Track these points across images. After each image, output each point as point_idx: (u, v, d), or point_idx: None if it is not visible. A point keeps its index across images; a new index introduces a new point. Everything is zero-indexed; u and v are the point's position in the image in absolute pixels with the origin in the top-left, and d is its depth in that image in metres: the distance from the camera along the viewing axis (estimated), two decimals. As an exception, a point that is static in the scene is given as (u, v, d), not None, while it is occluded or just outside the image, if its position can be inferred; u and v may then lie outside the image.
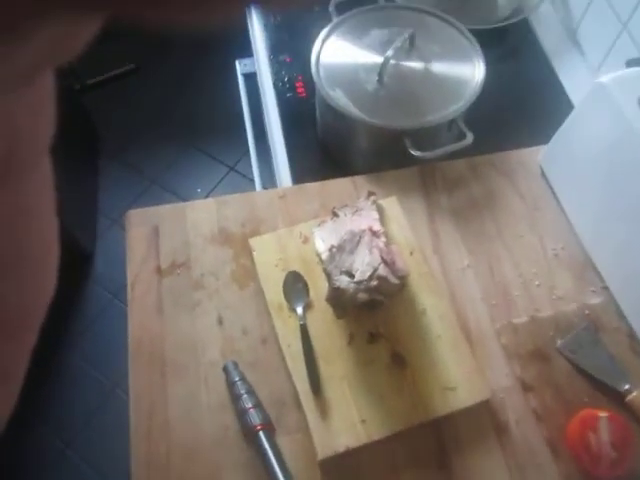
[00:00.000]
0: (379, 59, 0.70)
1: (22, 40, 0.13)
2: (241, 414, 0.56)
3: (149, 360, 0.60)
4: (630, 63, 0.69)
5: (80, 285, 1.49)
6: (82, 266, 1.51)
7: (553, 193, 0.72)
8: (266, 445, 0.54)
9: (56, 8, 0.11)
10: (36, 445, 1.29)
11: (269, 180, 0.95)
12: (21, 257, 0.20)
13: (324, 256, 0.60)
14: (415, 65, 0.73)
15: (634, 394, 0.58)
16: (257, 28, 0.93)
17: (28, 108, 0.17)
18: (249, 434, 0.55)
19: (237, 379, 0.58)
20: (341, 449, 0.54)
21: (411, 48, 0.73)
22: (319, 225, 0.65)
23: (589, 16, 0.88)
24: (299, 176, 0.77)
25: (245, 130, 1.03)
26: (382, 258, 0.56)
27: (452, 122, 0.69)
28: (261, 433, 0.55)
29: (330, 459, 0.54)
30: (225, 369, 0.59)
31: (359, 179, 0.73)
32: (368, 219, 0.63)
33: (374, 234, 0.60)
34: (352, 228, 0.61)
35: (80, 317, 1.44)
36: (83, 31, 0.14)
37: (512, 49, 0.93)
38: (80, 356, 1.39)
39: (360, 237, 0.59)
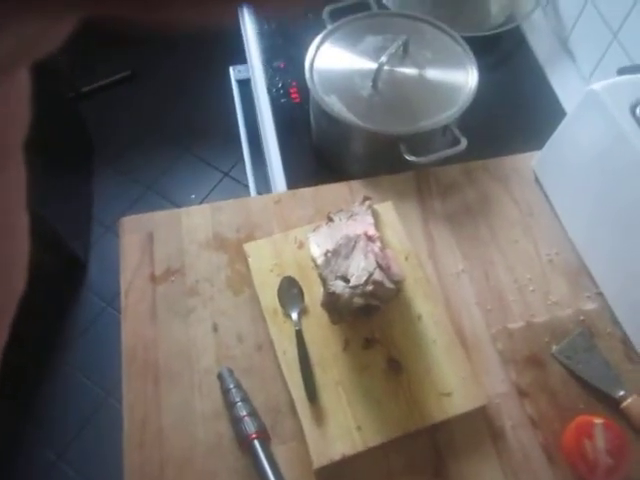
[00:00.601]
0: (373, 65, 0.71)
1: None
2: (236, 422, 0.56)
3: (143, 368, 0.60)
4: (621, 71, 0.70)
5: (74, 293, 1.48)
6: (76, 274, 1.50)
7: (547, 199, 0.73)
8: (261, 454, 0.53)
9: (30, 4, 0.11)
10: (27, 455, 1.27)
11: (264, 186, 0.94)
12: None
13: (319, 261, 0.60)
14: (409, 71, 0.73)
15: (629, 401, 0.58)
16: (251, 34, 0.94)
17: (3, 102, 0.17)
18: (244, 443, 0.55)
19: (232, 386, 0.57)
20: (337, 457, 0.54)
21: (405, 55, 0.74)
22: (314, 230, 0.65)
23: (580, 25, 0.89)
24: (294, 181, 0.77)
25: (239, 136, 1.03)
26: (377, 263, 0.56)
27: (446, 128, 0.70)
28: (256, 442, 0.54)
29: (326, 467, 0.54)
30: (220, 376, 0.58)
31: (354, 184, 0.73)
32: (363, 224, 0.63)
33: (369, 239, 0.60)
34: (347, 233, 0.61)
35: (73, 325, 1.43)
36: (59, 27, 0.14)
37: (505, 56, 0.94)
38: (73, 364, 1.37)
39: (355, 242, 0.59)
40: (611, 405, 0.59)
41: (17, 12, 0.11)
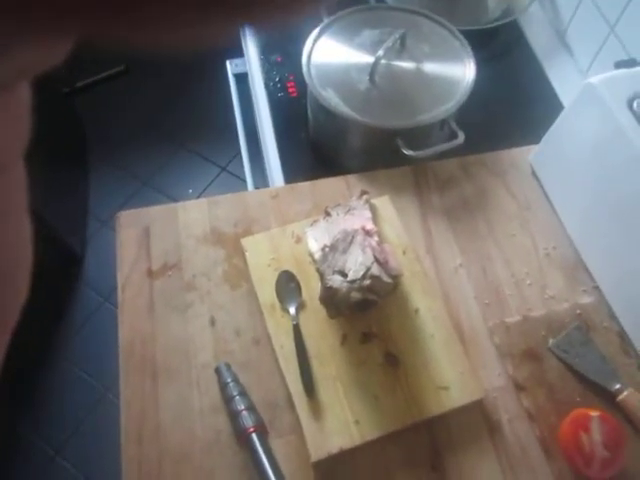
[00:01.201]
0: (370, 59, 0.70)
1: None
2: (234, 416, 0.56)
3: (140, 363, 0.60)
4: (619, 65, 0.70)
5: (70, 288, 1.47)
6: (72, 269, 1.49)
7: (544, 193, 0.73)
8: (259, 448, 0.54)
9: (29, 31, 0.11)
10: (25, 451, 1.27)
11: (261, 180, 0.94)
12: None
13: (317, 256, 0.60)
14: (406, 65, 0.73)
15: (625, 393, 0.58)
16: (248, 28, 0.93)
17: (4, 114, 0.17)
18: (241, 437, 0.55)
19: (229, 381, 0.57)
20: (334, 450, 0.54)
21: (402, 48, 0.73)
22: (312, 225, 0.65)
23: (577, 19, 0.89)
24: (291, 176, 0.76)
25: (237, 130, 1.02)
26: (375, 257, 0.56)
27: (444, 122, 0.70)
28: (254, 435, 0.54)
29: (324, 461, 0.54)
30: (217, 371, 0.58)
31: (351, 178, 0.73)
32: (361, 218, 0.63)
33: (367, 233, 0.60)
34: (345, 227, 0.60)
35: (71, 320, 1.43)
36: (58, 47, 0.14)
37: (502, 50, 0.93)
38: (71, 360, 1.37)
39: (353, 236, 0.58)
40: (607, 398, 0.59)
41: (16, 36, 0.11)
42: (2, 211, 0.19)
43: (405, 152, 0.67)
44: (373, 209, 0.67)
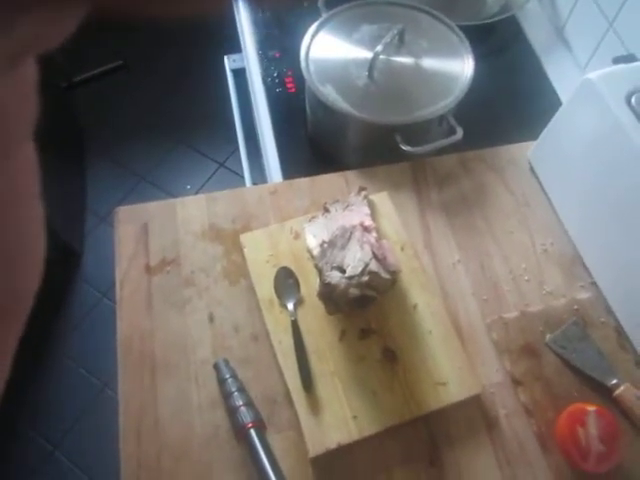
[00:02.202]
0: (369, 54, 0.70)
1: (5, 27, 0.12)
2: (232, 412, 0.56)
3: (139, 359, 0.60)
4: (617, 60, 0.70)
5: (69, 284, 1.47)
6: (71, 265, 1.49)
7: (542, 189, 0.73)
8: (257, 443, 0.54)
9: (33, 5, 0.11)
10: (23, 447, 1.27)
11: (259, 176, 0.94)
12: (8, 241, 0.19)
13: (315, 252, 0.60)
14: (405, 61, 0.73)
15: (621, 388, 0.58)
16: (246, 23, 0.93)
17: (14, 91, 0.17)
18: (240, 432, 0.55)
19: (228, 377, 0.57)
20: (333, 446, 0.54)
21: (401, 44, 0.73)
22: (310, 221, 0.65)
23: (576, 14, 0.89)
24: (289, 172, 0.76)
25: (235, 126, 1.02)
26: (373, 253, 0.56)
27: (442, 117, 0.70)
28: (252, 431, 0.54)
29: (322, 456, 0.54)
30: (216, 367, 0.59)
31: (350, 174, 0.73)
32: (359, 214, 0.63)
33: (365, 229, 0.60)
34: (343, 223, 0.60)
35: (69, 316, 1.43)
36: (65, 20, 0.14)
37: (501, 45, 0.93)
38: (69, 356, 1.37)
39: (351, 232, 0.59)
40: (604, 393, 0.59)
41: (26, 7, 0.11)
42: (12, 192, 0.19)
43: (403, 148, 0.67)
44: (371, 205, 0.67)
